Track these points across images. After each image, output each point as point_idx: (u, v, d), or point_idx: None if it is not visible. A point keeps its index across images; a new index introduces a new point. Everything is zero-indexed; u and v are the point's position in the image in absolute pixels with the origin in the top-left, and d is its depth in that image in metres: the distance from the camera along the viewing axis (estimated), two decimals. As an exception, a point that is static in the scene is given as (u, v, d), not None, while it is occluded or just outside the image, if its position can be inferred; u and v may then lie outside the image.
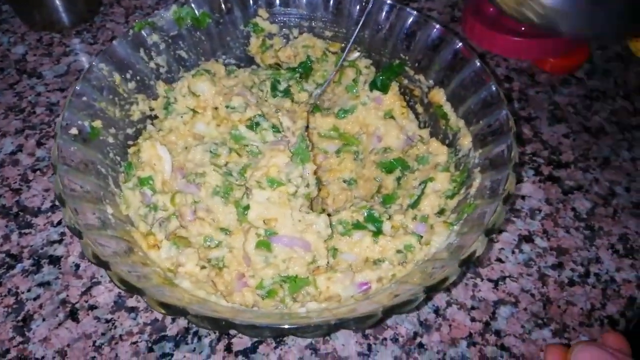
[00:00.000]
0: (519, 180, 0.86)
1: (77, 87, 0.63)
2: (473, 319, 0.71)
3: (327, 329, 0.48)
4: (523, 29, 1.00)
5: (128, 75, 0.70)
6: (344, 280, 0.60)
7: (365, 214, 0.67)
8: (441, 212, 0.68)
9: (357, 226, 0.66)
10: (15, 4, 1.06)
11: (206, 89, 0.71)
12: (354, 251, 0.65)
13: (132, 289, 0.48)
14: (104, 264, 0.49)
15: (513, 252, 0.78)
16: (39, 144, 0.89)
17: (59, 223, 0.79)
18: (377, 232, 0.65)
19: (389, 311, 0.49)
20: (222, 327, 0.47)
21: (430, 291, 0.50)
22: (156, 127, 0.73)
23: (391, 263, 0.63)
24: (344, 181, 0.80)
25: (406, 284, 0.57)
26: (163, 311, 0.48)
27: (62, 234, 0.78)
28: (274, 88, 0.77)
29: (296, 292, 0.61)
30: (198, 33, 0.77)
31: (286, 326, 0.47)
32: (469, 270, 0.75)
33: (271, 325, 0.47)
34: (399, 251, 0.64)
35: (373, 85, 0.78)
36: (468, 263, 0.52)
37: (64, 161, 0.57)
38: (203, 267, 0.62)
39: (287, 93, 0.78)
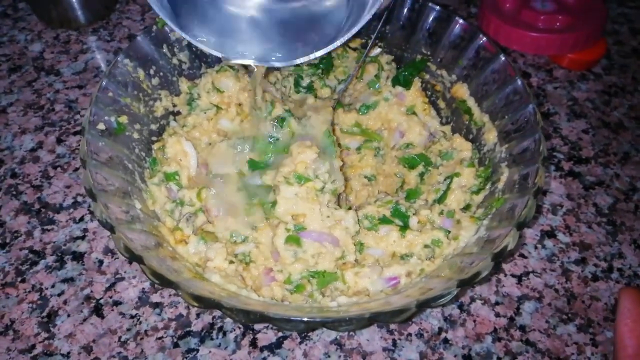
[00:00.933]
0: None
1: (103, 83, 0.63)
2: (497, 315, 0.71)
3: (362, 323, 0.48)
4: (540, 24, 1.00)
5: (151, 71, 0.70)
6: (372, 274, 0.60)
7: (392, 209, 0.67)
8: (467, 207, 0.68)
9: (384, 221, 0.66)
10: (31, 1, 1.06)
11: (230, 84, 0.71)
12: (381, 246, 0.65)
13: (165, 283, 0.48)
14: (137, 258, 0.49)
15: (536, 248, 0.78)
16: (59, 141, 0.89)
17: (81, 219, 0.79)
18: (404, 227, 0.65)
19: (423, 304, 0.49)
20: (257, 320, 0.47)
21: (464, 285, 0.50)
22: (179, 123, 0.73)
23: (419, 258, 0.63)
24: (365, 177, 0.80)
25: (438, 278, 0.56)
26: (197, 304, 0.48)
27: (85, 230, 0.78)
28: (297, 84, 0.76)
29: (324, 286, 0.61)
30: (220, 29, 0.77)
31: (320, 319, 0.47)
32: (501, 265, 0.74)
33: (306, 318, 0.47)
34: (426, 246, 0.64)
35: (395, 81, 0.77)
36: (500, 257, 0.52)
37: (92, 156, 0.57)
38: (231, 262, 0.62)
39: (310, 89, 0.78)
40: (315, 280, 0.61)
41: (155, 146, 0.70)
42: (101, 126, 0.61)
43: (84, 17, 1.07)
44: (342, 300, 0.57)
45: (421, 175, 0.75)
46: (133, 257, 0.50)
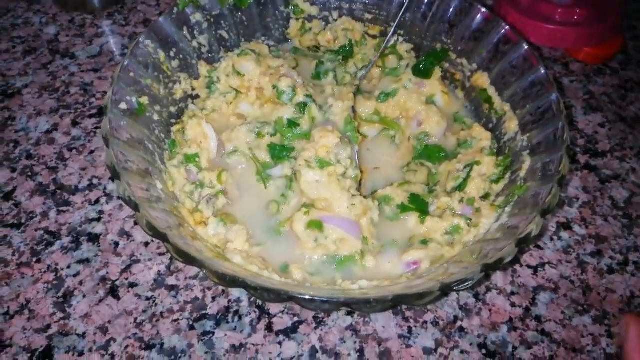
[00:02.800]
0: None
1: (125, 63, 0.63)
2: (513, 304, 0.71)
3: (385, 305, 0.48)
4: (558, 17, 0.99)
5: (172, 53, 0.70)
6: (391, 259, 0.60)
7: (409, 196, 0.67)
8: (486, 196, 0.68)
9: (405, 208, 0.66)
10: (47, -16, 1.06)
11: (251, 68, 0.71)
12: (400, 231, 0.65)
13: (190, 260, 0.48)
14: (161, 236, 0.49)
15: (552, 239, 0.77)
16: (75, 124, 0.89)
17: (97, 202, 0.79)
18: (424, 213, 0.65)
19: (447, 287, 0.49)
20: (281, 299, 0.47)
21: (488, 270, 0.50)
22: (198, 106, 0.73)
23: (439, 244, 0.63)
24: (374, 168, 0.80)
25: (460, 263, 0.56)
26: (221, 283, 0.48)
27: (101, 212, 0.78)
28: (317, 70, 0.76)
29: (342, 267, 0.61)
30: (239, 13, 0.77)
31: (344, 299, 0.47)
32: (523, 252, 0.74)
33: (331, 298, 0.47)
34: (446, 233, 0.63)
35: (416, 70, 0.77)
36: (525, 243, 0.52)
37: (115, 135, 0.57)
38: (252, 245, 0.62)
39: (330, 75, 0.78)
40: (335, 262, 0.61)
41: (174, 128, 0.70)
42: (123, 106, 0.61)
43: (99, 1, 1.07)
44: (363, 284, 0.57)
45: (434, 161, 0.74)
46: (157, 235, 0.50)
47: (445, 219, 0.64)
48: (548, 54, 1.03)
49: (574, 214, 0.81)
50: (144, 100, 0.64)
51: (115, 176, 0.53)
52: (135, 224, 0.75)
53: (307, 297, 0.47)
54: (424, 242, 0.65)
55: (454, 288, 0.50)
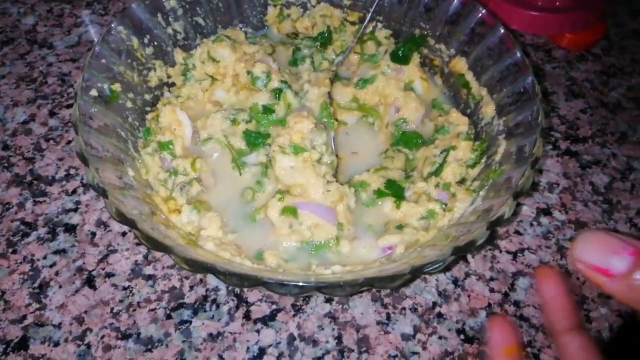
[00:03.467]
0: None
1: (96, 49, 0.62)
2: (492, 290, 0.71)
3: (356, 288, 0.47)
4: (540, 3, 0.99)
5: (146, 40, 0.69)
6: (366, 244, 0.60)
7: (385, 182, 0.67)
8: (462, 181, 0.68)
9: (380, 194, 0.65)
10: (24, -26, 1.05)
11: (227, 55, 0.70)
12: (375, 216, 0.65)
13: (158, 247, 0.48)
14: (129, 222, 0.49)
15: (531, 225, 0.77)
16: (52, 114, 0.88)
17: (74, 192, 0.78)
18: (399, 198, 0.65)
19: (417, 270, 0.48)
20: (250, 284, 0.46)
21: (459, 252, 0.49)
22: (173, 94, 0.72)
23: (414, 228, 0.63)
24: (352, 153, 0.79)
25: (433, 246, 0.56)
26: (190, 268, 0.48)
27: (77, 202, 0.77)
28: (294, 56, 0.75)
29: (317, 253, 0.61)
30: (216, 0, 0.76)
31: (314, 284, 0.47)
32: (496, 235, 0.74)
33: (299, 282, 0.46)
34: (422, 217, 0.63)
35: (394, 56, 0.77)
36: (496, 225, 0.51)
37: (85, 122, 0.56)
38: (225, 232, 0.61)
39: (307, 61, 0.77)
40: (309, 248, 0.61)
41: (149, 116, 0.69)
42: (94, 92, 0.60)
43: (78, -10, 1.06)
44: (336, 269, 0.57)
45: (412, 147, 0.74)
46: (125, 221, 0.49)
47: (421, 204, 0.64)
48: (531, 40, 1.03)
49: (554, 199, 0.80)
50: (117, 87, 0.63)
51: (83, 162, 0.53)
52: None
53: (277, 281, 0.46)
54: (400, 227, 0.65)
55: (425, 270, 0.50)
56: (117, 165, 0.58)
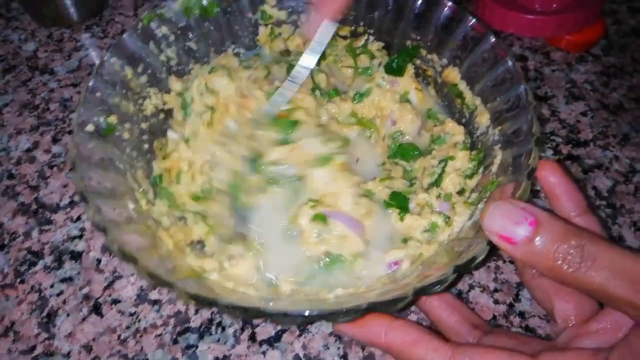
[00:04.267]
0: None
1: (90, 84, 0.62)
2: (496, 301, 0.70)
3: (359, 313, 0.48)
4: (537, 6, 0.98)
5: (139, 69, 0.70)
6: (374, 258, 0.61)
7: (390, 193, 0.67)
8: (461, 192, 0.68)
9: (387, 205, 0.67)
10: (23, 0, 1.06)
11: (224, 83, 0.71)
12: (383, 229, 0.66)
13: (161, 283, 0.49)
14: (132, 259, 0.49)
15: (534, 234, 0.77)
16: (55, 140, 0.89)
17: (79, 219, 0.79)
18: (404, 210, 0.65)
19: (420, 292, 0.48)
20: (254, 316, 0.47)
21: (460, 271, 0.49)
22: (178, 131, 0.73)
23: (418, 241, 0.63)
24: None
25: (434, 264, 0.56)
26: (194, 303, 0.48)
27: (82, 229, 0.78)
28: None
29: (330, 269, 0.63)
30: (207, 23, 0.77)
31: (318, 313, 0.47)
32: (496, 250, 0.74)
33: (301, 312, 0.47)
34: (425, 230, 0.64)
35: (388, 68, 0.77)
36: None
37: (82, 158, 0.57)
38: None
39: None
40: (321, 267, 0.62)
41: (158, 164, 0.70)
42: (90, 127, 0.60)
43: (77, 14, 1.07)
44: (339, 292, 0.57)
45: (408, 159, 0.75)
46: (127, 259, 0.50)
47: (424, 216, 0.64)
48: (529, 43, 1.02)
49: (556, 206, 0.80)
50: (113, 119, 0.64)
51: (84, 201, 0.53)
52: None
53: (278, 312, 0.47)
54: (404, 240, 0.65)
55: (428, 292, 0.50)
56: (117, 199, 0.59)
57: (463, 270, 0.50)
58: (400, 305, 0.49)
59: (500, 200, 0.51)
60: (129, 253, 0.50)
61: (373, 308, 0.48)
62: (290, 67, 0.77)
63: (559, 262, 0.44)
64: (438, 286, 0.50)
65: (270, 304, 0.50)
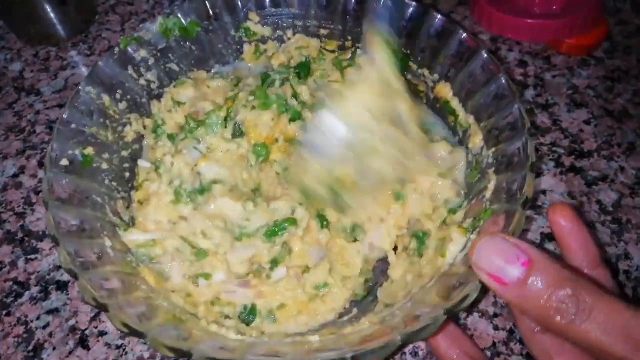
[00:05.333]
0: (538, 174, 0.81)
1: (64, 115, 0.60)
2: (496, 327, 0.68)
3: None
4: (536, 9, 0.94)
5: (118, 95, 0.67)
6: None
7: None
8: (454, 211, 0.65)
9: None
10: (8, 19, 1.04)
11: (190, 94, 0.69)
12: None
13: (133, 332, 0.46)
14: (102, 307, 0.47)
15: (535, 253, 0.74)
16: (41, 164, 0.87)
17: (64, 247, 0.77)
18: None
19: (409, 339, 0.46)
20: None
21: (451, 313, 0.46)
22: (149, 159, 0.70)
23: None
24: None
25: (424, 303, 0.53)
26: (169, 354, 0.46)
27: (68, 258, 0.76)
28: (264, 83, 0.72)
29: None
30: (188, 43, 0.74)
31: None
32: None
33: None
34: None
35: (377, 82, 0.73)
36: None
37: (55, 196, 0.55)
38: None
39: (277, 84, 0.74)
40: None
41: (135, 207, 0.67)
42: (64, 162, 0.58)
43: (64, 31, 1.05)
44: (324, 332, 0.55)
45: None
46: (99, 305, 0.48)
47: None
48: (528, 48, 0.98)
49: (558, 222, 0.76)
50: (89, 150, 0.61)
51: (55, 243, 0.51)
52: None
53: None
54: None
55: (417, 338, 0.47)
56: (92, 238, 0.56)
57: (454, 311, 0.48)
58: (388, 351, 0.46)
59: (491, 234, 0.48)
60: (99, 300, 0.48)
61: (360, 356, 0.46)
62: (266, 75, 0.74)
63: (552, 311, 0.40)
64: (427, 330, 0.47)
65: (247, 354, 0.47)
